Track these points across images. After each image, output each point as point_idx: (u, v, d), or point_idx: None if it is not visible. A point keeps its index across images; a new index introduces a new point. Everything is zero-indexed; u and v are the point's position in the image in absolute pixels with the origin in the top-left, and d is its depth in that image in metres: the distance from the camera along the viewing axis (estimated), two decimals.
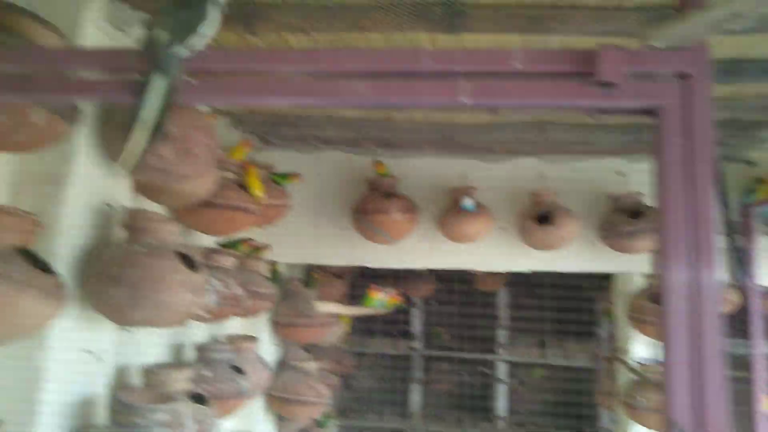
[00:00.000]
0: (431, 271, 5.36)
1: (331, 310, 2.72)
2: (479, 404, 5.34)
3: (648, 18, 1.57)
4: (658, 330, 2.74)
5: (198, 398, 2.13)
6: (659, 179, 0.97)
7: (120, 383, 1.97)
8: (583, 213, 2.98)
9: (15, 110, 1.21)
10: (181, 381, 2.00)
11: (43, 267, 1.34)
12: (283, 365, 3.45)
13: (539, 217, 2.88)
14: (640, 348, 3.05)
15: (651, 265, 2.97)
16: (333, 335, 4.13)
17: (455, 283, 5.31)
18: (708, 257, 0.92)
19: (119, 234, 1.77)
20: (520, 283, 5.38)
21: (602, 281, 4.50)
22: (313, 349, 3.90)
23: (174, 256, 1.67)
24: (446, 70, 0.90)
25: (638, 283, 3.01)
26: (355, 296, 4.40)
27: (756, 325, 2.95)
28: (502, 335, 5.40)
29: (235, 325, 3.08)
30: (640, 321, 2.80)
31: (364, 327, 5.08)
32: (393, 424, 5.40)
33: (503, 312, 5.44)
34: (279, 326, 3.33)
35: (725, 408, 0.87)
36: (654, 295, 2.77)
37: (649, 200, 2.89)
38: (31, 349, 1.52)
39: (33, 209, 1.49)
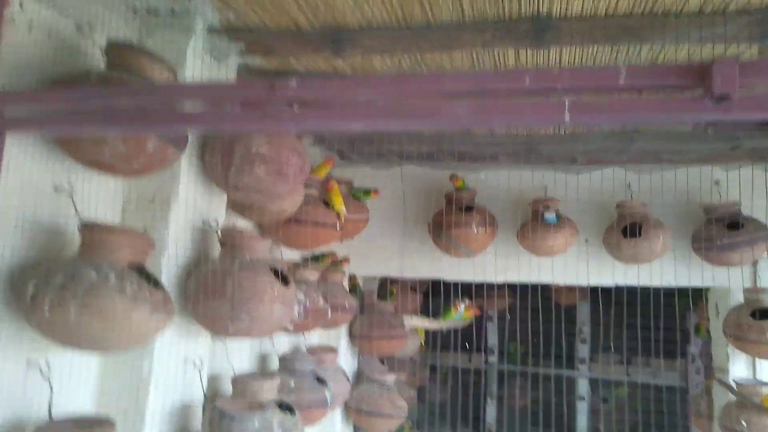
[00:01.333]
0: (508, 285, 5.27)
1: (416, 324, 2.73)
2: (558, 422, 5.16)
3: (751, 22, 1.49)
4: (759, 348, 2.56)
5: (284, 407, 2.19)
6: None
7: (213, 391, 2.06)
8: (676, 225, 2.84)
9: (133, 140, 1.31)
10: (269, 390, 2.06)
11: (154, 283, 1.44)
12: (360, 377, 3.49)
13: (627, 229, 2.77)
14: (739, 367, 2.85)
15: (751, 279, 2.78)
16: (409, 348, 4.14)
17: (532, 297, 5.16)
18: None
19: (217, 251, 1.87)
20: (603, 297, 5.18)
21: (695, 296, 4.26)
22: (389, 362, 3.93)
23: (268, 271, 1.74)
24: (549, 88, 0.89)
25: (736, 297, 2.82)
26: (430, 309, 4.39)
27: None
28: (582, 351, 5.20)
29: (315, 336, 3.16)
30: (739, 338, 2.61)
31: (439, 340, 5.04)
32: None
33: (583, 327, 5.25)
34: (357, 338, 3.38)
35: None
36: (755, 311, 2.59)
37: (747, 210, 2.72)
38: (141, 359, 1.63)
39: (141, 229, 1.61)
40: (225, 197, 1.95)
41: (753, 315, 2.60)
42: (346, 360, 3.37)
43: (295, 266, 2.52)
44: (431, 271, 3.29)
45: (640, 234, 2.73)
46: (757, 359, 2.83)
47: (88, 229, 1.36)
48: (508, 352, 5.52)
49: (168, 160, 1.46)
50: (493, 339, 5.45)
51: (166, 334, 1.68)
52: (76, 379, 1.54)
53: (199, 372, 1.83)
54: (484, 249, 3.00)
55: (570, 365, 5.19)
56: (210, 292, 1.65)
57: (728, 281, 2.82)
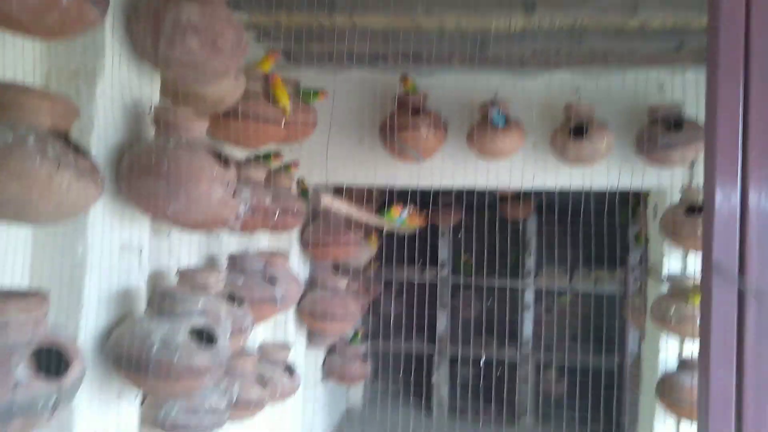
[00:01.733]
0: (459, 200, 5.35)
1: (340, 207, 2.70)
2: (506, 330, 5.42)
3: None
4: (691, 242, 2.70)
5: (232, 298, 2.19)
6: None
7: (157, 283, 2.03)
8: (620, 126, 2.90)
9: None
10: (216, 282, 2.05)
11: (80, 151, 1.36)
12: (313, 283, 3.53)
13: (573, 131, 2.81)
14: (673, 265, 3.02)
15: (687, 180, 2.89)
16: (361, 258, 4.19)
17: (483, 212, 5.27)
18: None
19: (150, 134, 1.79)
20: (549, 211, 5.33)
21: (635, 207, 4.43)
22: (341, 271, 3.98)
23: (206, 151, 1.67)
24: None
25: (673, 198, 2.94)
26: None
27: None
28: (529, 263, 5.40)
29: (265, 242, 3.14)
30: (674, 234, 2.75)
31: (392, 255, 5.12)
32: (420, 349, 5.54)
33: (532, 240, 5.42)
34: (308, 245, 3.38)
35: None
36: (689, 208, 2.71)
37: (692, 113, 2.78)
38: (73, 240, 1.57)
39: None
40: (158, 79, 1.85)
41: (687, 212, 2.73)
42: (298, 267, 3.39)
43: (239, 165, 2.45)
44: (382, 178, 3.28)
45: (585, 135, 2.77)
46: (689, 255, 2.99)
47: (2, 89, 1.26)
48: (458, 266, 5.67)
49: (87, 20, 1.34)
50: (444, 253, 5.58)
51: (99, 216, 1.62)
52: (5, 257, 1.47)
53: (139, 258, 1.78)
54: (433, 153, 2.99)
55: (517, 277, 5.39)
56: (144, 170, 1.58)
57: (666, 182, 2.93)
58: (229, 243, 2.75)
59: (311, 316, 3.32)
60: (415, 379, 5.21)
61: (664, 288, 2.91)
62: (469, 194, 5.25)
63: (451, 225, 5.50)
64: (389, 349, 5.44)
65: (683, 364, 2.79)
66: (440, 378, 5.47)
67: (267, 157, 2.76)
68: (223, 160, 1.73)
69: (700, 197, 2.71)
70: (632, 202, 4.34)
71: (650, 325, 3.06)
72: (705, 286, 0.84)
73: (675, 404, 2.75)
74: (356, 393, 5.60)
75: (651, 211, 3.22)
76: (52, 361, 1.34)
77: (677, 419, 2.98)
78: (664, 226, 2.82)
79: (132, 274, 1.78)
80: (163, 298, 1.65)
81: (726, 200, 0.84)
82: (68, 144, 1.34)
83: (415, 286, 5.74)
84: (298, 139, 2.91)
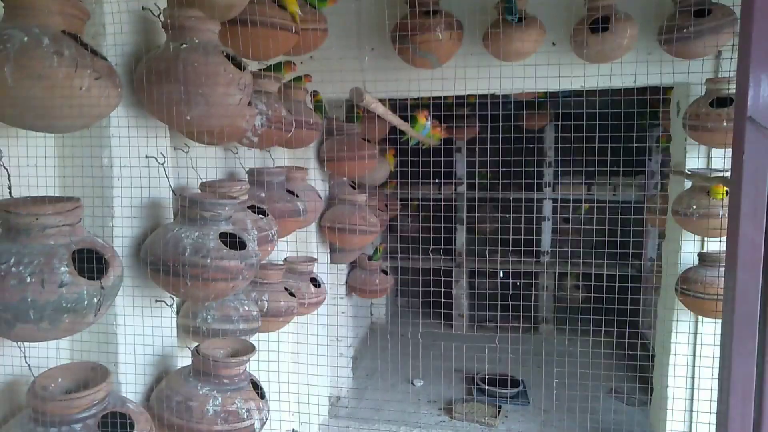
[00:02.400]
0: (475, 114, 5.24)
1: (377, 107, 2.66)
2: (525, 242, 5.47)
3: None
4: (715, 136, 2.64)
5: (257, 210, 2.23)
6: None
7: (180, 197, 2.06)
8: (643, 17, 2.76)
9: None
10: (239, 192, 2.08)
11: (95, 53, 1.34)
12: (332, 200, 3.56)
13: (594, 25, 2.69)
14: (694, 161, 2.97)
15: (713, 71, 2.79)
16: (378, 175, 4.19)
17: (500, 124, 5.18)
18: None
19: (162, 39, 1.75)
20: (567, 119, 5.23)
21: (658, 109, 4.31)
22: (359, 187, 4.00)
23: (220, 53, 1.64)
24: None
25: (697, 93, 2.85)
26: (398, 137, 4.38)
27: None
28: (548, 174, 5.36)
29: (283, 159, 3.15)
30: (697, 128, 2.68)
31: (409, 172, 5.09)
32: (439, 264, 5.64)
33: (549, 151, 5.35)
34: (326, 161, 3.38)
35: None
36: (714, 100, 2.63)
37: None
38: (99, 149, 1.59)
39: None
40: None
41: (711, 104, 2.65)
42: (316, 184, 3.40)
43: (254, 75, 2.41)
44: (398, 88, 3.21)
45: (607, 28, 2.66)
46: (712, 151, 2.93)
47: None
48: (476, 180, 5.66)
49: None
50: (461, 169, 5.55)
51: (122, 126, 1.63)
52: (34, 168, 1.49)
53: (164, 168, 1.80)
54: (449, 57, 2.91)
55: (537, 190, 5.37)
56: (160, 76, 1.57)
57: (691, 76, 2.82)
58: (248, 159, 2.76)
59: (333, 231, 3.38)
60: (435, 294, 5.33)
61: (687, 184, 2.88)
62: (486, 106, 5.13)
63: (468, 139, 5.43)
64: (409, 266, 5.54)
65: (703, 258, 2.81)
66: (460, 291, 5.60)
67: (279, 67, 2.71)
68: (238, 63, 1.70)
69: (728, 87, 2.62)
70: (654, 103, 4.21)
71: (671, 223, 3.06)
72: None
73: (694, 299, 2.79)
74: (379, 309, 5.78)
75: (674, 107, 3.13)
76: (92, 263, 1.38)
77: (696, 316, 3.04)
78: (687, 121, 2.75)
79: (158, 186, 1.81)
80: (191, 205, 1.68)
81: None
82: (83, 46, 1.32)
83: (433, 202, 5.78)
84: (310, 49, 2.83)
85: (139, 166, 1.70)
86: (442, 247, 5.78)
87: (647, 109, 4.31)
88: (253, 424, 1.71)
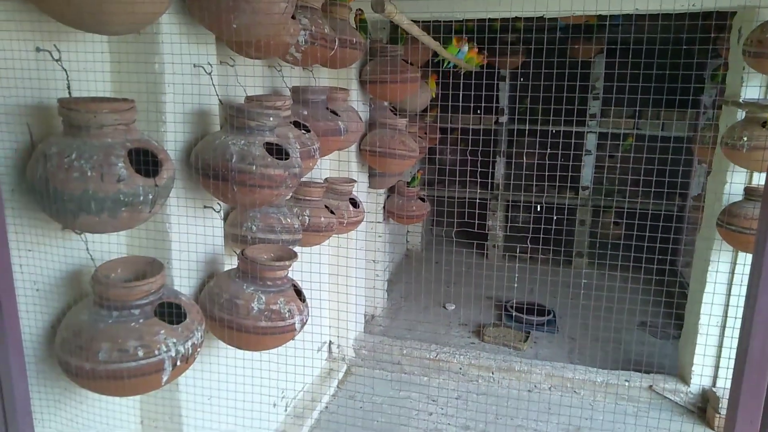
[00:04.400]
0: (521, 41, 5.06)
1: (405, 22, 2.61)
2: (565, 176, 5.39)
3: None
4: None
5: (299, 125, 2.27)
6: None
7: (226, 106, 2.12)
8: None
9: None
10: (283, 106, 2.12)
11: None
12: (373, 125, 3.57)
13: None
14: (752, 91, 2.84)
15: None
16: (420, 100, 4.15)
17: (548, 53, 5.00)
18: None
19: None
20: (620, 49, 5.00)
21: (714, 43, 4.07)
22: (400, 112, 3.98)
23: None
24: None
25: (763, 17, 2.68)
26: (437, 62, 4.30)
27: None
28: (594, 106, 5.20)
29: (325, 80, 3.15)
30: (758, 56, 2.54)
31: (451, 103, 5.02)
32: (476, 196, 5.64)
33: (597, 82, 5.16)
34: (368, 84, 3.37)
35: None
36: None
37: None
38: (149, 54, 1.64)
39: None
40: None
41: None
42: (358, 107, 3.41)
43: None
44: (442, 7, 3.13)
45: None
46: None
47: None
48: (519, 111, 5.54)
49: None
50: (504, 99, 5.43)
51: (171, 34, 1.67)
52: (90, 67, 1.56)
53: (211, 77, 1.85)
54: None
55: (581, 122, 5.23)
56: None
57: None
58: (291, 79, 2.78)
59: (372, 155, 3.41)
60: (471, 225, 5.37)
61: (740, 115, 2.77)
62: (532, 32, 4.95)
63: (512, 68, 5.27)
64: (447, 196, 5.56)
65: (750, 191, 2.74)
66: (496, 223, 5.62)
67: None
68: None
69: None
70: (714, 30, 3.96)
71: (719, 156, 2.97)
72: None
73: (736, 233, 2.75)
74: (415, 237, 5.88)
75: (735, 34, 2.96)
76: (147, 165, 1.47)
77: (735, 252, 2.99)
78: (747, 47, 2.61)
79: (206, 95, 1.86)
80: (238, 114, 1.73)
81: None
82: None
83: (474, 133, 5.71)
84: None
85: (189, 74, 1.75)
86: (479, 180, 5.75)
87: (706, 35, 4.07)
88: (294, 323, 1.83)
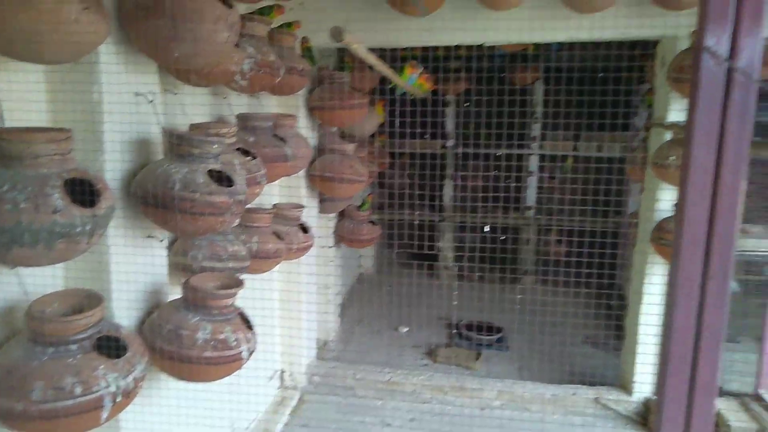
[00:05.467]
0: (464, 68, 5.23)
1: (361, 51, 2.66)
2: (510, 197, 5.55)
3: None
4: None
5: (245, 152, 2.27)
6: None
7: (168, 134, 2.10)
8: None
9: None
10: (228, 134, 2.11)
11: None
12: (322, 150, 3.59)
13: None
14: (677, 114, 3.03)
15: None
16: (368, 125, 4.21)
17: (489, 79, 5.19)
18: None
19: None
20: (556, 76, 5.24)
21: (643, 69, 4.33)
22: (348, 138, 4.03)
23: None
24: None
25: (684, 46, 2.89)
26: (385, 84, 4.38)
27: None
28: (535, 129, 5.41)
29: (272, 106, 3.16)
30: (681, 81, 2.73)
31: (398, 126, 5.11)
32: (427, 217, 5.73)
33: (537, 107, 5.38)
34: (315, 110, 3.40)
35: None
36: None
37: None
38: (89, 84, 1.61)
39: None
40: None
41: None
42: (305, 132, 3.43)
43: (242, 19, 2.40)
44: (387, 38, 3.21)
45: None
46: None
47: None
48: (464, 135, 5.69)
49: None
50: (450, 123, 5.58)
51: (111, 62, 1.65)
52: (25, 99, 1.52)
53: (153, 105, 1.83)
54: (439, 5, 2.90)
55: (523, 145, 5.42)
56: (148, 11, 1.58)
57: (677, 30, 2.86)
58: (238, 106, 2.78)
59: (322, 180, 3.43)
60: (422, 247, 5.44)
61: (667, 137, 2.95)
62: (474, 60, 5.13)
63: (457, 94, 5.43)
64: (397, 219, 5.62)
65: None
66: (446, 244, 5.71)
67: (267, 11, 2.69)
68: (225, 1, 1.71)
69: None
70: (641, 59, 4.23)
71: (650, 176, 3.14)
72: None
73: (667, 247, 2.90)
74: (367, 260, 5.89)
75: (660, 60, 3.16)
76: (84, 195, 1.43)
77: (668, 265, 3.16)
78: (671, 73, 2.80)
79: (147, 123, 1.84)
80: (180, 142, 1.72)
81: None
82: None
83: (422, 157, 5.81)
84: None
85: (129, 103, 1.73)
86: (428, 203, 5.84)
87: (633, 63, 4.33)
88: (241, 352, 1.80)
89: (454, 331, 4.40)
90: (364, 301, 5.11)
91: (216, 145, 1.77)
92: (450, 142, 5.62)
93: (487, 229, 5.83)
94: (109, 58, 1.63)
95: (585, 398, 3.34)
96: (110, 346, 1.50)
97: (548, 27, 2.99)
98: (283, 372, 3.59)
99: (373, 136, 4.87)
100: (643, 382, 3.26)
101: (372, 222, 4.25)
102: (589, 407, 3.32)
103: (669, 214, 3.00)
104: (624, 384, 3.41)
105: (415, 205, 5.92)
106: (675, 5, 2.70)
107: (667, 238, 2.87)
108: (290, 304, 3.41)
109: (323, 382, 3.62)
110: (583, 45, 3.55)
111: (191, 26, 1.60)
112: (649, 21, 2.87)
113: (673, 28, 2.90)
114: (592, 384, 3.44)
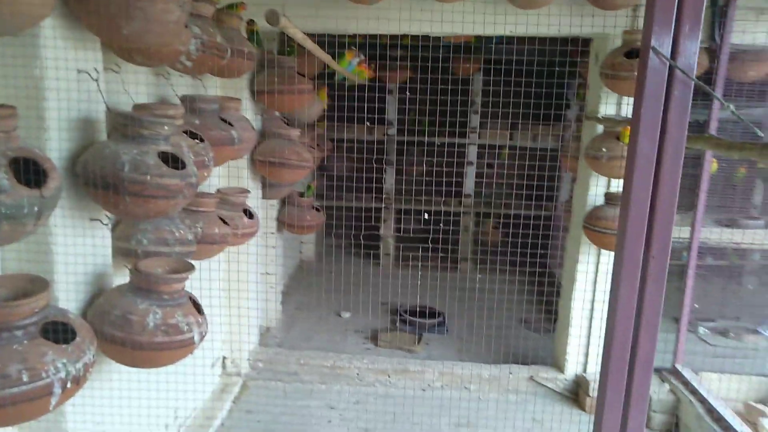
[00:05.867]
0: (407, 57, 5.30)
1: (296, 33, 2.66)
2: (450, 185, 5.70)
3: None
4: (628, 85, 2.88)
5: (192, 135, 2.22)
6: None
7: (116, 114, 2.03)
8: None
9: None
10: (175, 115, 2.06)
11: None
12: (266, 134, 3.55)
13: None
14: (609, 108, 3.22)
15: (630, 23, 3.00)
16: (311, 111, 4.20)
17: (431, 69, 5.27)
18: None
19: None
20: (495, 68, 5.40)
21: (577, 65, 4.54)
22: (292, 123, 4.00)
23: None
24: None
25: (615, 45, 3.06)
26: (333, 76, 4.38)
27: (719, 87, 3.11)
28: (474, 120, 5.56)
29: (216, 89, 3.10)
30: (612, 78, 2.90)
31: (340, 114, 5.12)
32: (368, 205, 5.78)
33: (476, 98, 5.53)
34: (259, 94, 3.35)
35: None
36: (629, 51, 2.84)
37: None
38: (29, 59, 1.53)
39: None
40: None
41: (627, 55, 2.86)
42: (249, 115, 3.38)
43: None
44: (335, 23, 3.21)
45: None
46: (624, 99, 3.18)
47: None
48: (407, 124, 5.77)
49: None
50: (392, 112, 5.63)
51: (52, 38, 1.57)
52: None
53: (97, 83, 1.76)
54: None
55: (462, 134, 5.56)
56: None
57: (611, 28, 3.03)
58: (180, 87, 2.70)
59: (265, 164, 3.39)
60: (363, 234, 5.49)
61: (599, 129, 3.13)
62: (418, 50, 5.20)
63: (399, 83, 5.49)
64: (339, 206, 5.63)
65: (609, 197, 3.10)
66: (387, 231, 5.79)
67: None
68: None
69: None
70: (574, 54, 4.44)
71: (583, 166, 3.33)
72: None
73: (599, 234, 3.10)
74: (308, 247, 5.88)
75: (593, 57, 3.34)
76: (29, 175, 1.37)
77: (598, 251, 3.36)
78: (603, 69, 2.97)
79: (91, 102, 1.77)
80: (129, 122, 1.67)
81: None
82: None
83: (364, 144, 5.85)
84: None
85: (73, 80, 1.66)
86: (373, 188, 5.90)
87: (569, 59, 4.54)
88: (193, 336, 1.79)
89: (396, 316, 4.49)
90: (305, 288, 5.11)
91: (167, 127, 1.73)
92: (391, 130, 5.68)
93: (426, 216, 5.95)
94: (52, 32, 1.56)
95: (520, 377, 3.52)
96: (57, 331, 1.45)
97: (491, 21, 3.08)
98: (225, 359, 3.55)
99: (314, 122, 4.86)
100: (575, 360, 3.47)
101: (316, 208, 4.26)
102: (525, 386, 3.50)
103: (600, 203, 3.19)
104: (557, 363, 3.62)
105: (356, 191, 5.96)
106: (609, 5, 2.86)
107: (598, 225, 3.06)
108: (232, 291, 3.37)
109: (266, 368, 3.61)
110: (522, 39, 3.68)
111: (142, 4, 1.55)
112: (584, 19, 3.03)
113: (606, 27, 3.07)
114: (526, 363, 3.63)
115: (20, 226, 1.29)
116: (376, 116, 5.44)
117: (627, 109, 3.17)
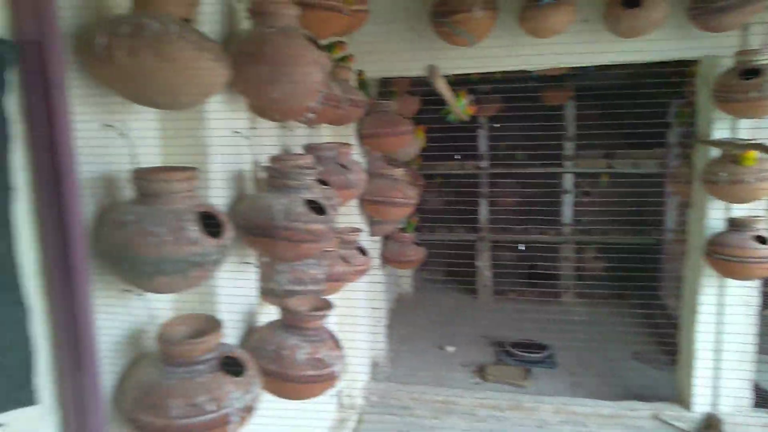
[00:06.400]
0: (497, 90, 5.37)
1: (442, 84, 2.85)
2: (546, 215, 5.63)
3: None
4: (743, 107, 2.79)
5: (322, 183, 2.40)
6: None
7: (266, 167, 2.23)
8: None
9: None
10: (307, 164, 2.25)
11: (205, 37, 1.50)
12: (370, 175, 3.72)
13: (626, 1, 2.82)
14: (721, 132, 3.11)
15: (740, 44, 2.92)
16: (411, 150, 4.35)
17: (521, 100, 5.31)
18: None
19: (245, 23, 1.91)
20: (587, 95, 5.35)
21: (677, 86, 4.42)
22: (393, 162, 4.16)
23: (302, 35, 1.80)
24: None
25: (724, 66, 2.98)
26: (425, 112, 4.53)
27: None
28: (568, 148, 5.51)
29: (326, 135, 3.31)
30: (726, 100, 2.82)
31: (433, 151, 5.24)
32: (463, 237, 5.82)
33: (569, 126, 5.49)
34: (365, 137, 3.54)
35: None
36: (743, 72, 2.77)
37: None
38: (196, 123, 1.76)
39: None
40: None
41: (741, 76, 2.79)
42: (358, 159, 3.56)
43: None
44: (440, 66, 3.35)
45: (639, 4, 2.79)
46: (739, 122, 3.06)
47: None
48: (498, 156, 5.80)
49: None
50: (483, 144, 5.70)
51: (217, 104, 1.80)
52: (142, 140, 1.67)
53: (248, 141, 1.97)
54: (485, 34, 3.04)
55: (557, 164, 5.52)
56: (248, 56, 1.72)
57: (719, 49, 2.96)
58: (298, 137, 2.92)
59: (373, 204, 3.55)
60: (459, 266, 5.53)
61: (713, 153, 3.03)
62: (508, 82, 5.26)
63: (490, 116, 5.57)
64: (434, 239, 5.72)
65: (732, 222, 2.97)
66: (483, 263, 5.79)
67: (331, 47, 2.85)
68: (317, 45, 1.85)
69: (757, 59, 2.75)
70: (673, 76, 4.31)
71: (698, 191, 3.21)
72: None
73: (723, 261, 2.96)
74: (406, 281, 5.98)
75: (702, 80, 3.26)
76: (207, 228, 1.56)
77: (722, 279, 3.20)
78: (716, 92, 2.89)
79: (241, 157, 1.98)
80: (280, 176, 1.85)
81: None
82: (197, 30, 1.48)
83: (458, 179, 5.93)
84: (355, 29, 2.98)
85: (227, 139, 1.87)
86: (467, 221, 5.95)
87: (667, 80, 4.42)
88: (337, 370, 1.91)
89: (501, 349, 4.45)
90: (406, 321, 5.19)
91: (309, 177, 1.90)
92: (483, 163, 5.73)
93: (521, 247, 5.90)
94: (216, 99, 1.78)
95: (643, 414, 3.37)
96: (228, 365, 1.61)
97: (590, 51, 3.10)
98: (340, 392, 3.67)
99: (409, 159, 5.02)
100: (702, 397, 3.29)
101: (416, 243, 4.36)
102: (648, 424, 3.35)
103: (721, 229, 3.06)
104: (682, 399, 3.44)
105: (452, 225, 6.02)
106: (716, 27, 2.81)
107: (721, 252, 2.93)
108: (346, 326, 3.50)
109: (380, 402, 3.69)
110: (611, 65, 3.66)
111: (289, 70, 1.74)
112: (690, 42, 2.98)
113: (713, 49, 3.00)
114: (645, 400, 3.47)
115: (205, 272, 1.47)
116: (465, 152, 5.53)
117: (742, 132, 3.05)
